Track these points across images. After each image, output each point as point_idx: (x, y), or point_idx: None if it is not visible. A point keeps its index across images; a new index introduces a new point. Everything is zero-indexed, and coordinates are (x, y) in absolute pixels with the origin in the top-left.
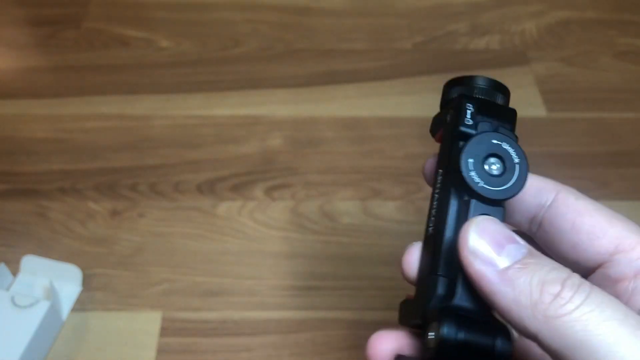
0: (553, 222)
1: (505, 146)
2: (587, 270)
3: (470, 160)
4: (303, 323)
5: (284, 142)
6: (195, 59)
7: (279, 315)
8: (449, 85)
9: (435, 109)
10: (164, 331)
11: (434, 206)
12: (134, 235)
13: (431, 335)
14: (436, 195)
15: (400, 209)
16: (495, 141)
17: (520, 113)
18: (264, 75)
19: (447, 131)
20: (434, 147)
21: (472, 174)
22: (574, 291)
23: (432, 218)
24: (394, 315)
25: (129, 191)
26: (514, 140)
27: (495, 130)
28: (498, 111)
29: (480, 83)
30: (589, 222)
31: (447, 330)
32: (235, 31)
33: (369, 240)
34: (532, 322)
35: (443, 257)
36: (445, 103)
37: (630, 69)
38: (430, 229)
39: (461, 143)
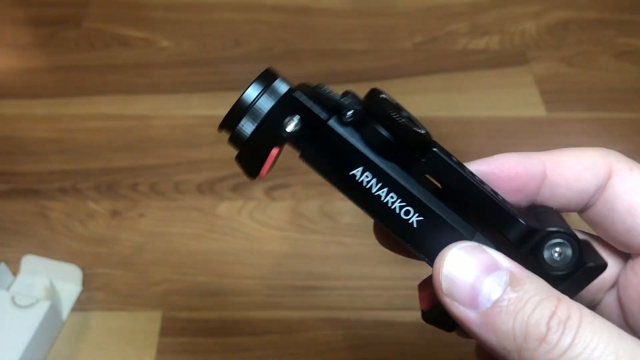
0: (607, 202)
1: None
2: (637, 252)
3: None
4: (303, 323)
5: None
6: (195, 59)
7: (279, 315)
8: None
9: (436, 109)
10: (164, 331)
11: (393, 199)
12: (134, 235)
13: None
14: (383, 190)
15: None
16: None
17: (519, 113)
18: None
19: (327, 129)
20: None
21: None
22: (560, 332)
23: (407, 208)
24: (394, 315)
25: (129, 191)
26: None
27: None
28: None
29: (278, 84)
30: None
31: None
32: (235, 31)
33: (369, 240)
34: None
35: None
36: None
37: (629, 69)
38: (415, 219)
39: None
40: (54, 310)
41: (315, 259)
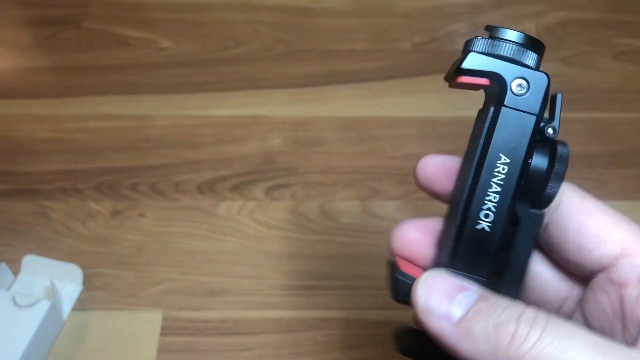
0: (559, 224)
1: None
2: (590, 273)
3: None
4: (303, 322)
5: (284, 142)
6: (195, 59)
7: (279, 314)
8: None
9: (435, 109)
10: (165, 330)
11: (494, 199)
12: (135, 235)
13: None
14: (497, 187)
15: (400, 209)
16: None
17: None
18: (264, 75)
19: (525, 119)
20: (434, 147)
21: None
22: (529, 327)
23: (491, 213)
24: (394, 314)
25: (129, 191)
26: None
27: None
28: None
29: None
30: (596, 225)
31: None
32: (235, 31)
33: (369, 240)
34: None
35: None
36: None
37: (629, 69)
38: (485, 225)
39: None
40: (54, 310)
41: (315, 259)
